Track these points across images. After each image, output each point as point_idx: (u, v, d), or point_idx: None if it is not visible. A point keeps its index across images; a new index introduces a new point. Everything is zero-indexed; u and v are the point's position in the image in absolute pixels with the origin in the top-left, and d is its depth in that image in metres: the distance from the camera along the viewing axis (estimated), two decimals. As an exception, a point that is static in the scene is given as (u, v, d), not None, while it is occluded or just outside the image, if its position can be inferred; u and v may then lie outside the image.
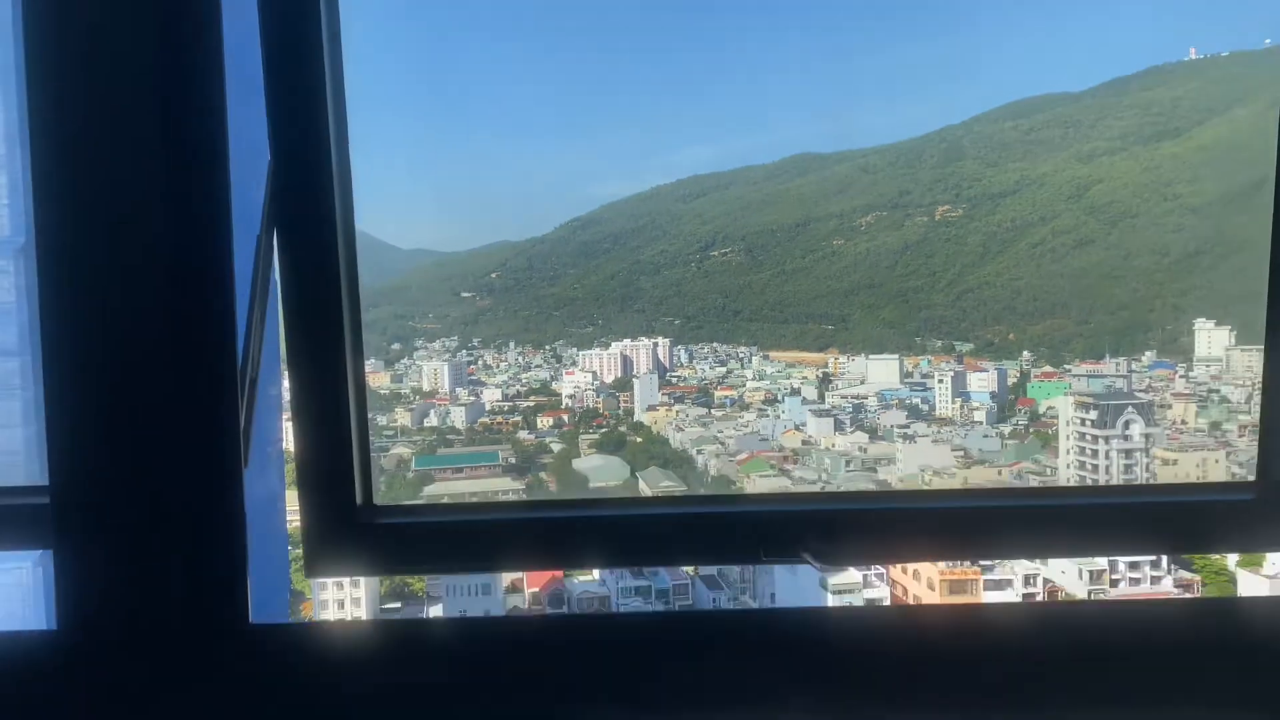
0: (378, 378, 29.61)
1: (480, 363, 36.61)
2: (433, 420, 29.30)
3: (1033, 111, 51.48)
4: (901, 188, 47.17)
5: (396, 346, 35.27)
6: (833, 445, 26.35)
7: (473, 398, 29.75)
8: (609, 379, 34.91)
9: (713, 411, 29.89)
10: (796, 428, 27.02)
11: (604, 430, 29.96)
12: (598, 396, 30.32)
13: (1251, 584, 17.72)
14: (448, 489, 26.41)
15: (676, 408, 30.28)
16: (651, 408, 30.16)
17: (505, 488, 26.42)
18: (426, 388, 25.05)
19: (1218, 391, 21.74)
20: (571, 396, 29.45)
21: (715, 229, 56.12)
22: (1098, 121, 44.94)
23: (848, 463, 24.54)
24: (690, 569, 22.10)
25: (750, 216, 57.27)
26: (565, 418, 31.22)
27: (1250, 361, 22.88)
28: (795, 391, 28.04)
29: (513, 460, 27.49)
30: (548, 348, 41.50)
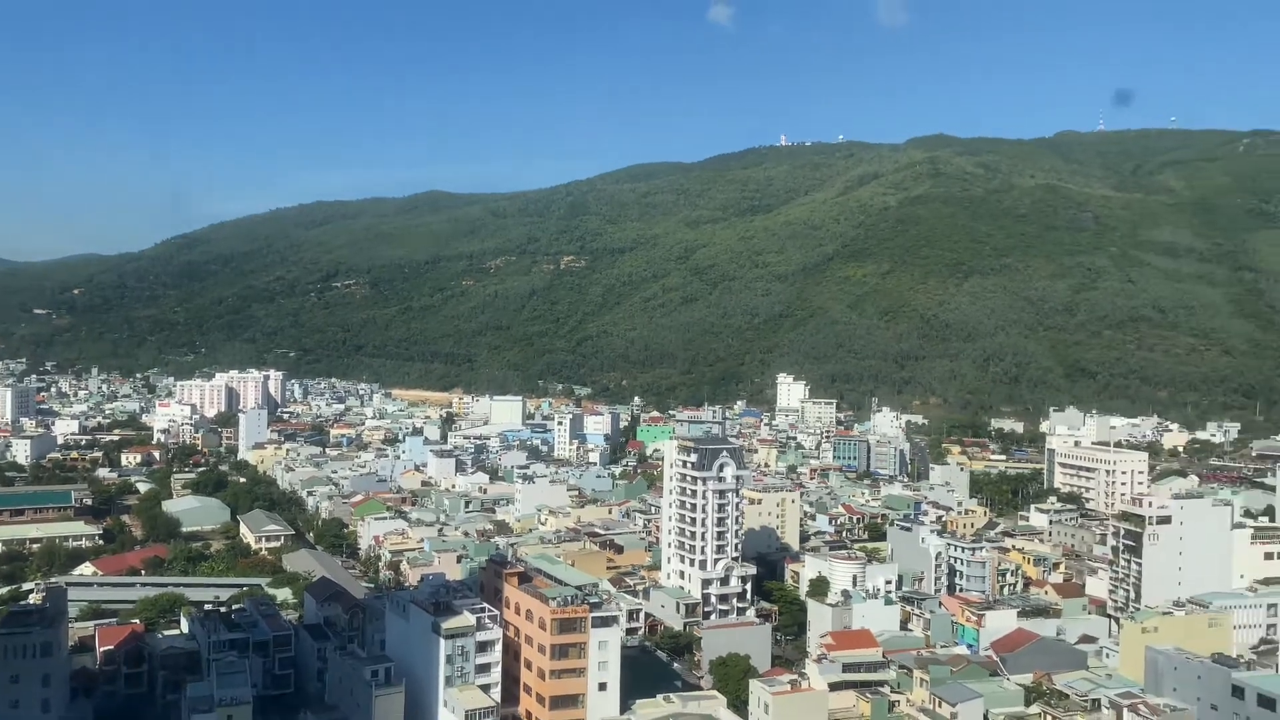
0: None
1: (54, 390, 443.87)
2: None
3: (650, 176, 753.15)
4: (530, 234, 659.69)
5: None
6: (454, 486, 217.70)
7: (42, 430, 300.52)
8: (211, 413, 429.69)
9: (327, 451, 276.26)
10: (417, 468, 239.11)
11: (202, 469, 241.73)
12: (196, 432, 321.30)
13: (817, 610, 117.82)
14: (6, 533, 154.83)
15: (287, 446, 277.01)
16: (259, 445, 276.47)
17: (78, 531, 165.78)
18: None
19: (794, 439, 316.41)
20: (165, 431, 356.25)
21: (339, 259, 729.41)
22: (704, 191, 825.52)
23: (467, 504, 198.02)
24: (295, 616, 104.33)
25: (378, 249, 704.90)
26: (157, 454, 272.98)
27: (820, 413, 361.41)
28: (417, 431, 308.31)
29: (89, 501, 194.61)
30: (139, 376, 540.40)
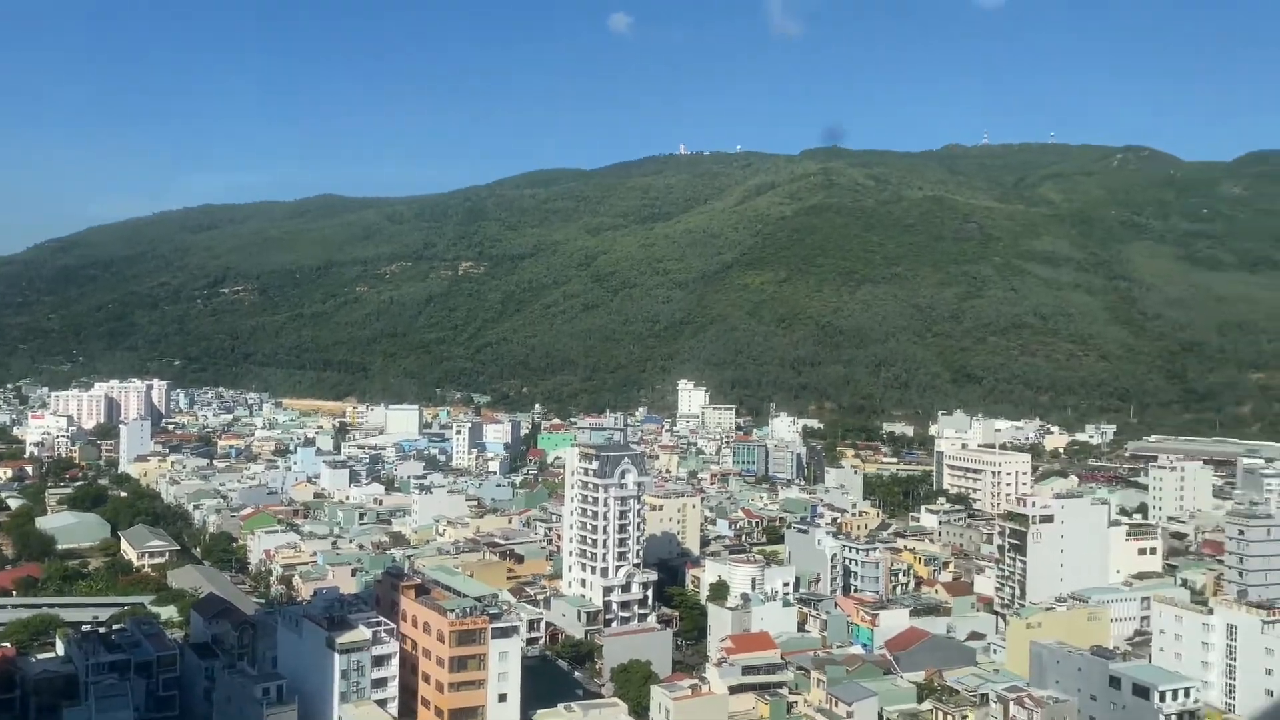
0: None
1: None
2: None
3: (550, 182, 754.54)
4: (427, 240, 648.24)
5: None
6: (348, 498, 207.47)
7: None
8: (89, 425, 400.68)
9: (215, 463, 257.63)
10: (309, 479, 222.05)
11: (80, 484, 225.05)
12: (73, 444, 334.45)
13: (717, 614, 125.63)
14: None
15: (172, 458, 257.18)
16: (141, 458, 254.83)
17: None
18: None
19: (695, 445, 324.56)
20: (39, 444, 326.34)
21: (227, 264, 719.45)
22: (604, 199, 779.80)
23: (362, 515, 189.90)
24: (181, 634, 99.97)
25: (268, 254, 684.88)
26: (29, 469, 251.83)
27: (720, 418, 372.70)
28: (310, 441, 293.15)
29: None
30: (10, 386, 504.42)
